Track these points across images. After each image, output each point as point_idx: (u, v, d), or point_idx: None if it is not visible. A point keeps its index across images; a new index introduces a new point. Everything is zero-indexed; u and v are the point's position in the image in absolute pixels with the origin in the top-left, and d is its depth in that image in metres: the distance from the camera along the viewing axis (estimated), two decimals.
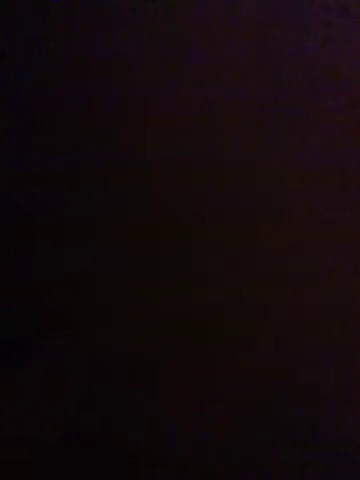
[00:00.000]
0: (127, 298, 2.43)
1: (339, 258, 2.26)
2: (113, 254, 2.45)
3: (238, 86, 2.29)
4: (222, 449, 2.30)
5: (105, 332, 2.43)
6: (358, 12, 2.14)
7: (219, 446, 2.31)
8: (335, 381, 2.28)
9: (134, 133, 2.41)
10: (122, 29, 2.37)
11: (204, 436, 2.31)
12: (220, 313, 2.35)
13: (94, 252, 2.46)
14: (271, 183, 2.30)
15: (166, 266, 2.40)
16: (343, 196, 2.24)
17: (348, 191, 2.22)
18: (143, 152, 2.40)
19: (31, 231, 2.50)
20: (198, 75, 2.32)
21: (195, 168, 2.36)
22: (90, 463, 2.29)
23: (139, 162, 2.41)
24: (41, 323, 2.45)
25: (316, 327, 2.29)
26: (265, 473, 2.27)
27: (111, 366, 2.41)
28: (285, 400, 2.30)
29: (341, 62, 2.18)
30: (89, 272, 2.46)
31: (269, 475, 2.26)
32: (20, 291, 2.49)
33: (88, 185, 2.45)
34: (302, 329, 2.30)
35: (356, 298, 2.25)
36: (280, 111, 2.26)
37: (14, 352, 2.39)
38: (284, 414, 2.30)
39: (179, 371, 2.37)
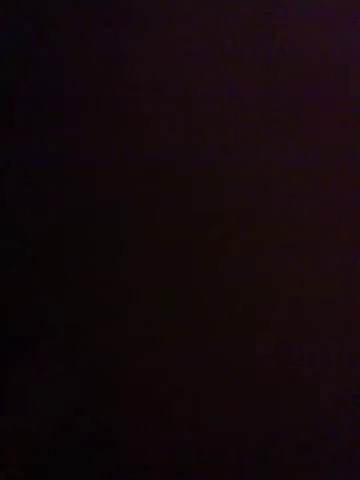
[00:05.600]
0: (127, 299, 2.43)
1: (339, 257, 2.27)
2: (114, 255, 2.45)
3: (238, 86, 2.29)
4: (222, 449, 2.29)
5: (105, 333, 2.43)
6: (358, 13, 2.15)
7: (219, 446, 2.30)
8: (335, 381, 2.28)
9: (133, 133, 2.42)
10: (122, 29, 2.38)
11: (204, 436, 2.31)
12: (220, 314, 2.36)
13: (95, 253, 2.46)
14: (271, 183, 2.30)
15: (166, 267, 2.41)
16: (343, 195, 2.24)
17: (348, 190, 2.23)
18: (142, 152, 2.41)
19: (31, 232, 2.50)
20: (198, 75, 2.33)
21: (195, 168, 2.37)
22: (90, 463, 2.29)
23: (139, 163, 2.41)
24: (41, 323, 2.45)
25: (316, 327, 2.29)
26: (265, 473, 2.27)
27: (111, 366, 2.41)
28: (285, 400, 2.30)
29: (341, 62, 2.19)
30: (89, 273, 2.46)
31: (269, 475, 2.26)
32: (20, 291, 2.49)
33: (88, 185, 2.46)
34: (302, 329, 2.30)
35: (356, 297, 2.25)
36: (280, 111, 2.27)
37: (14, 352, 2.39)
38: (284, 414, 2.30)
39: (179, 371, 2.37)
